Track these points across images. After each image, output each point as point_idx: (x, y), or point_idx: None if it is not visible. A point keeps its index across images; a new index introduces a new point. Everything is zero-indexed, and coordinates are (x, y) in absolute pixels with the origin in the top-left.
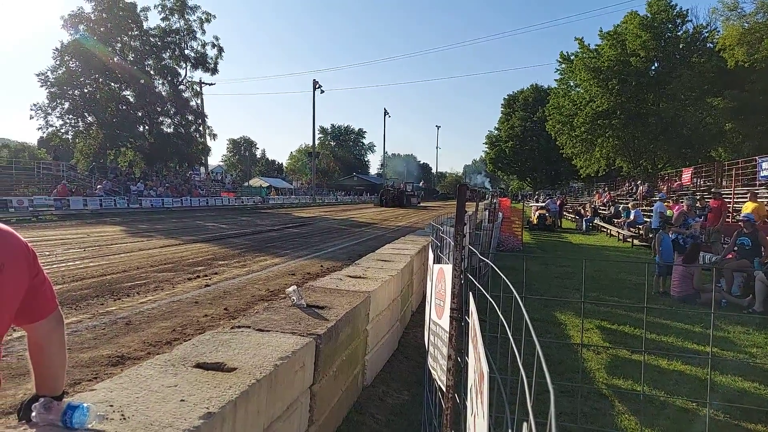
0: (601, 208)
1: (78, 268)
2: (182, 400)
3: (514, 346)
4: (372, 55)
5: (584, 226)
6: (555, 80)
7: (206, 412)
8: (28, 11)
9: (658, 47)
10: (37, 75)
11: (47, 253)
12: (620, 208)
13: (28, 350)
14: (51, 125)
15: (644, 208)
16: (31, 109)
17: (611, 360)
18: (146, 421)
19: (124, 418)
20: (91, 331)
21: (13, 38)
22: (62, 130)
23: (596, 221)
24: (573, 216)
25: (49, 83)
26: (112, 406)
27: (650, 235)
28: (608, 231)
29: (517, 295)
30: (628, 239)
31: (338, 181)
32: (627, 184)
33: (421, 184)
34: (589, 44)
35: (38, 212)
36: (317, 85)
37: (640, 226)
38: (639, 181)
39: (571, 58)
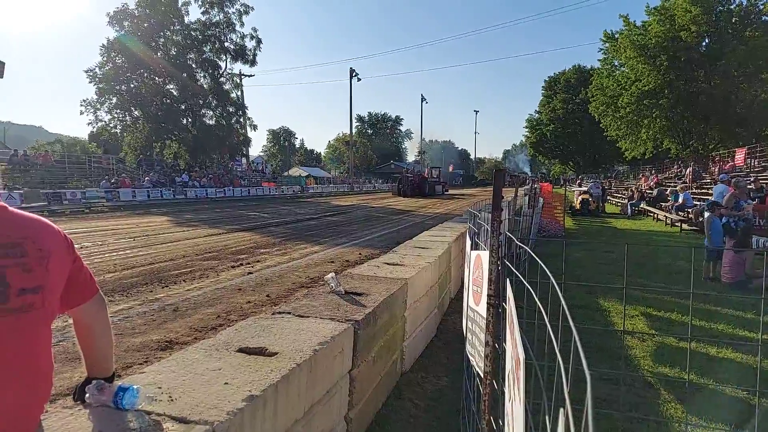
0: (648, 191)
1: (128, 257)
2: (226, 383)
3: (550, 331)
4: (408, 41)
5: (629, 211)
6: (598, 60)
7: (249, 395)
8: (77, 10)
9: (709, 22)
10: (86, 71)
11: (99, 242)
12: (667, 191)
13: (76, 334)
14: (100, 120)
15: (694, 191)
16: (81, 105)
17: (657, 347)
18: (192, 402)
19: (172, 400)
20: (142, 317)
21: (66, 37)
22: (111, 125)
23: (642, 205)
24: (617, 201)
25: (97, 79)
26: (160, 388)
27: (700, 219)
28: (655, 215)
29: (553, 281)
30: (677, 223)
31: (376, 169)
32: (675, 167)
33: (450, 168)
34: (634, 21)
35: (90, 204)
36: (354, 74)
37: (690, 210)
38: (691, 164)
39: (616, 36)
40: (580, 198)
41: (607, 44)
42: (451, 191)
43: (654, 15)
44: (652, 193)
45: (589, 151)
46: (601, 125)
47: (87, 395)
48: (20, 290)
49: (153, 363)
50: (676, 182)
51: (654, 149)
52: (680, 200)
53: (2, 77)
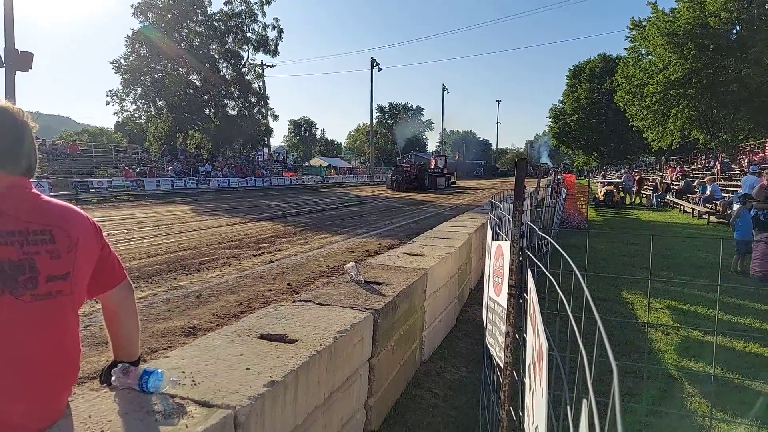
0: (674, 183)
1: (153, 245)
2: (247, 369)
3: (573, 323)
4: (429, 30)
5: (655, 203)
6: (625, 49)
7: (270, 381)
8: (103, 2)
9: (740, 8)
10: (111, 62)
11: (125, 231)
12: (694, 183)
13: (104, 319)
14: (125, 110)
15: (722, 182)
16: (107, 95)
17: (682, 341)
18: (215, 387)
19: (195, 384)
20: (166, 304)
21: (92, 29)
22: (136, 115)
23: (668, 197)
24: (642, 192)
25: (122, 70)
26: (183, 372)
27: (728, 211)
28: (681, 207)
29: (577, 271)
30: (704, 216)
31: (396, 160)
32: (704, 157)
33: (456, 157)
34: (663, 8)
35: (116, 192)
36: (375, 63)
37: (718, 202)
38: (720, 155)
39: (643, 24)
40: (604, 189)
41: (634, 32)
42: (465, 183)
43: (683, 1)
44: (678, 185)
45: (614, 141)
46: (626, 115)
47: (113, 378)
48: (49, 276)
49: (176, 348)
50: (703, 173)
51: (681, 140)
52: (708, 192)
53: (31, 68)
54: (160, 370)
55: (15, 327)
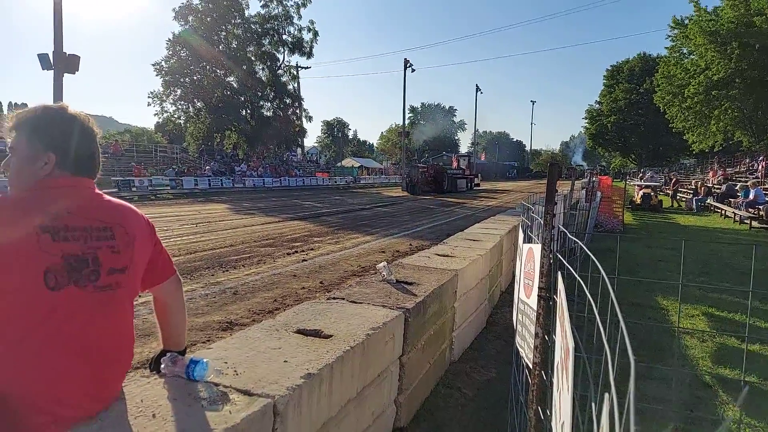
0: (716, 186)
1: (192, 242)
2: (285, 361)
3: (600, 324)
4: (463, 30)
5: (695, 207)
6: (666, 48)
7: (307, 373)
8: (144, 5)
9: None
10: (153, 65)
11: (165, 228)
12: (737, 187)
13: (154, 311)
14: (165, 111)
15: (765, 186)
16: (149, 97)
17: (718, 348)
18: (255, 377)
19: (237, 374)
20: (204, 299)
21: (135, 31)
22: (175, 116)
23: (709, 201)
24: (680, 195)
25: (163, 72)
26: (226, 363)
27: None
28: (723, 212)
29: (604, 274)
30: (746, 221)
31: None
32: (747, 160)
33: (482, 157)
34: (705, 6)
35: (156, 191)
36: (408, 64)
37: (761, 207)
38: (761, 157)
39: (685, 22)
40: (641, 192)
41: (675, 31)
42: (496, 185)
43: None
44: (719, 188)
45: (653, 143)
46: (666, 116)
47: (162, 366)
48: (110, 270)
49: (216, 341)
50: (747, 177)
51: (724, 142)
52: (751, 196)
53: (78, 70)
54: (205, 360)
55: (79, 316)
